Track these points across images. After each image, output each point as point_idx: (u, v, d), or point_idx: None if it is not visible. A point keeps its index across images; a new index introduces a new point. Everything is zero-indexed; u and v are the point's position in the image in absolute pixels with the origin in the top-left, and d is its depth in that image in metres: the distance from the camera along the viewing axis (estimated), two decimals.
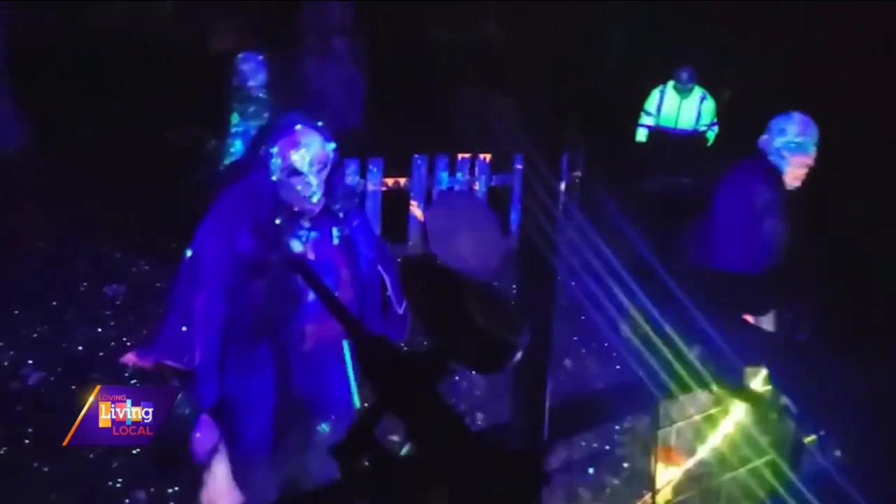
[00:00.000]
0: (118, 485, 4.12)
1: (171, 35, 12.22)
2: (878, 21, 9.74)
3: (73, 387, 4.84)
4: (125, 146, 9.41)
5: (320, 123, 3.06)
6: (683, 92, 8.93)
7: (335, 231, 3.09)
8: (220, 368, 2.95)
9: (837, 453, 4.03)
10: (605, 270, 5.33)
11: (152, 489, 4.10)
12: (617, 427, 4.92)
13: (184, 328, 2.94)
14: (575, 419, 4.90)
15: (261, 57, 6.57)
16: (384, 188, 7.70)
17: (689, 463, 3.63)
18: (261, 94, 6.44)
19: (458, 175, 8.10)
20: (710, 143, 9.07)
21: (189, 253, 2.98)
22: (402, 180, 7.87)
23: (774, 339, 4.54)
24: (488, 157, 8.26)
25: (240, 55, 6.59)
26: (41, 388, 4.97)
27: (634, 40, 12.05)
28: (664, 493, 3.55)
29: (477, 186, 8.21)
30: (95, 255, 6.98)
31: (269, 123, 3.35)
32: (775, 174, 4.54)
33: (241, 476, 3.02)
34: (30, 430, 4.45)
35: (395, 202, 7.78)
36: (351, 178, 7.18)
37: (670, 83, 8.98)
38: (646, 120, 9.08)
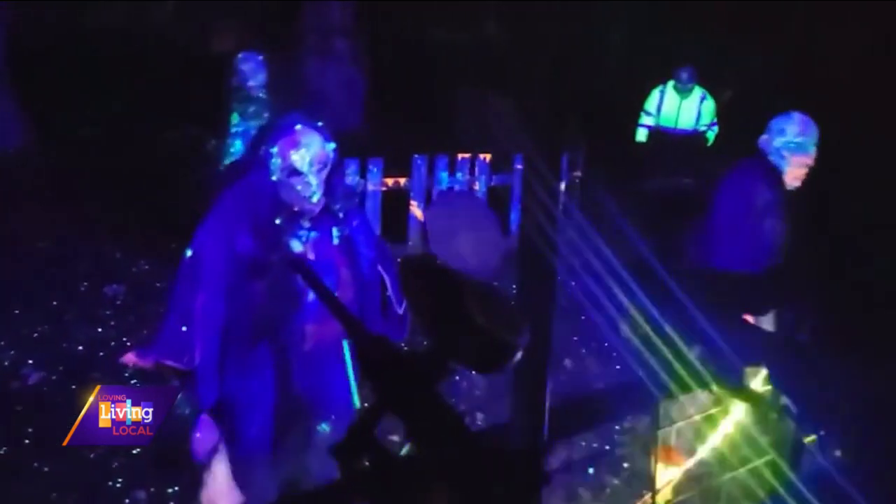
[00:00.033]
0: (118, 485, 4.12)
1: (171, 35, 12.22)
2: (878, 21, 9.74)
3: (74, 387, 4.84)
4: (125, 146, 9.41)
5: (320, 123, 3.07)
6: (683, 92, 8.92)
7: (335, 231, 3.09)
8: (221, 368, 2.95)
9: (837, 453, 4.03)
10: (606, 270, 5.33)
11: (152, 489, 4.10)
12: (617, 427, 4.92)
13: (184, 328, 2.94)
14: (575, 419, 4.90)
15: (261, 57, 6.57)
16: (384, 188, 7.70)
17: (689, 463, 3.64)
18: (261, 95, 6.43)
19: (458, 175, 8.10)
20: (710, 143, 9.07)
21: (189, 253, 2.99)
22: (403, 180, 7.87)
23: (774, 339, 4.54)
24: (488, 157, 8.26)
25: (240, 55, 6.58)
26: (41, 387, 4.97)
27: (634, 40, 12.06)
28: (664, 493, 3.55)
29: (477, 186, 8.21)
30: (96, 255, 6.98)
31: (269, 123, 3.36)
32: (775, 174, 4.54)
33: (241, 476, 3.02)
34: (30, 429, 4.45)
35: (395, 202, 7.78)
36: (351, 177, 7.18)
37: (670, 83, 8.98)
38: (646, 120, 9.08)
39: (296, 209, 3.01)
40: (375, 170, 7.61)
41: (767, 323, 4.59)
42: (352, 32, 12.17)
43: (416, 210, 7.88)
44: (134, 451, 4.22)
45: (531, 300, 3.32)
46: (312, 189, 2.99)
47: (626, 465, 4.59)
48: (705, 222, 4.77)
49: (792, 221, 4.67)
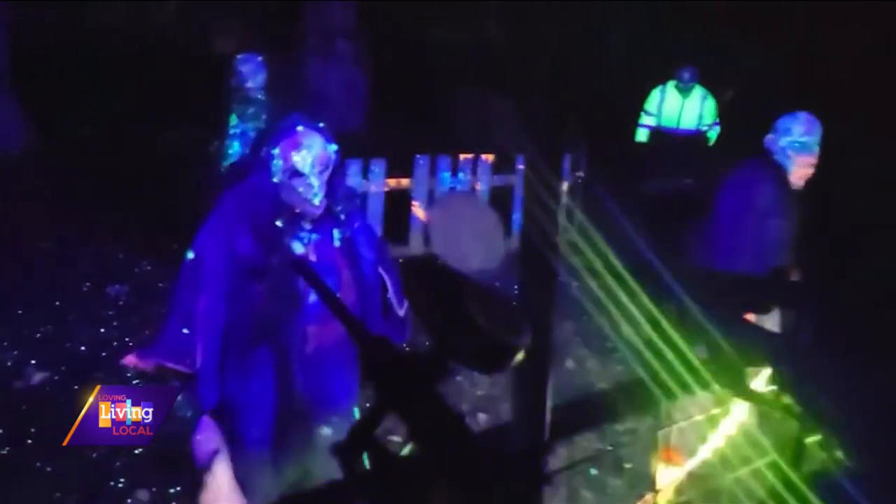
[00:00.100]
0: (121, 485, 4.12)
1: (171, 36, 12.23)
2: (878, 21, 9.74)
3: (76, 387, 4.85)
4: (127, 147, 9.42)
5: (322, 125, 3.06)
6: (685, 91, 8.92)
7: (336, 233, 3.09)
8: (222, 370, 2.95)
9: (840, 454, 4.02)
10: (607, 271, 5.33)
11: (154, 489, 4.10)
12: (618, 427, 4.92)
13: (185, 330, 2.94)
14: (576, 420, 4.90)
15: (260, 58, 6.56)
16: (386, 189, 7.70)
17: (691, 463, 3.63)
18: (259, 96, 6.42)
19: (461, 175, 8.11)
20: (711, 143, 9.06)
21: (190, 255, 2.98)
22: (405, 181, 7.87)
23: (777, 339, 4.53)
24: (490, 157, 8.26)
25: (239, 56, 6.57)
26: (44, 388, 4.98)
27: (634, 40, 12.06)
28: (666, 494, 3.54)
29: (479, 187, 8.21)
30: (98, 256, 6.99)
31: (270, 125, 3.36)
32: (780, 173, 4.55)
33: (242, 478, 3.02)
34: (32, 430, 4.46)
35: (397, 203, 7.79)
36: (353, 179, 7.19)
37: (670, 83, 8.97)
38: (646, 120, 9.06)
39: (297, 211, 3.01)
40: (378, 171, 7.61)
41: (770, 323, 4.59)
42: (353, 33, 12.17)
43: (418, 211, 7.88)
44: (136, 451, 4.23)
45: (532, 300, 3.32)
46: (314, 191, 2.99)
47: (627, 465, 4.59)
48: (708, 222, 4.77)
49: (796, 221, 4.67)
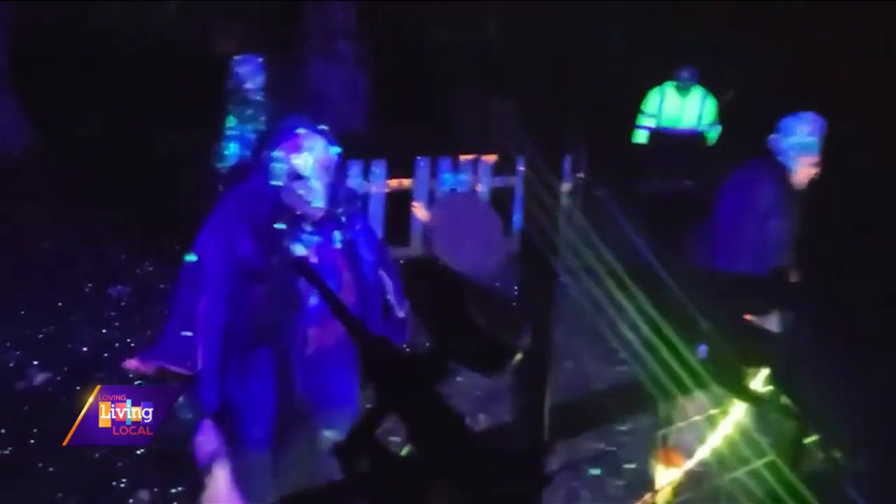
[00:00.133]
0: (122, 485, 4.13)
1: (172, 36, 12.23)
2: (879, 21, 9.74)
3: (78, 387, 4.85)
4: (129, 147, 9.43)
5: (324, 127, 3.06)
6: (684, 91, 8.91)
7: (337, 235, 3.09)
8: (222, 372, 2.95)
9: (839, 454, 4.03)
10: (608, 271, 5.33)
11: (155, 489, 4.11)
12: (617, 428, 4.92)
13: (186, 332, 2.94)
14: (576, 420, 4.90)
15: (259, 59, 6.55)
16: (387, 190, 7.71)
17: (690, 464, 3.63)
18: (258, 98, 6.41)
19: (461, 177, 8.11)
20: (712, 143, 9.05)
21: (191, 257, 2.99)
22: (406, 182, 7.88)
23: (777, 339, 4.54)
24: (491, 158, 8.27)
25: (237, 57, 6.56)
26: (46, 388, 4.98)
27: (635, 40, 12.05)
28: (664, 494, 3.55)
29: (480, 188, 8.21)
30: (99, 256, 6.99)
31: (269, 126, 3.36)
32: (783, 174, 4.55)
33: (243, 480, 3.02)
34: (35, 430, 4.46)
35: (398, 204, 7.79)
36: (353, 180, 7.19)
37: (668, 84, 8.95)
38: (645, 121, 9.05)
39: (298, 213, 3.00)
40: (378, 172, 7.62)
41: (770, 323, 4.59)
42: (353, 34, 12.17)
43: (419, 212, 7.89)
44: (137, 452, 4.23)
45: (532, 301, 3.32)
46: (315, 193, 2.98)
47: (626, 465, 4.59)
48: (710, 223, 4.77)
49: (799, 221, 4.68)
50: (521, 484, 1.17)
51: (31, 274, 6.55)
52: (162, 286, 6.24)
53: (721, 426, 3.61)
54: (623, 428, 4.91)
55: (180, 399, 2.89)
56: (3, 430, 4.49)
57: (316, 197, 2.99)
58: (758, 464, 3.28)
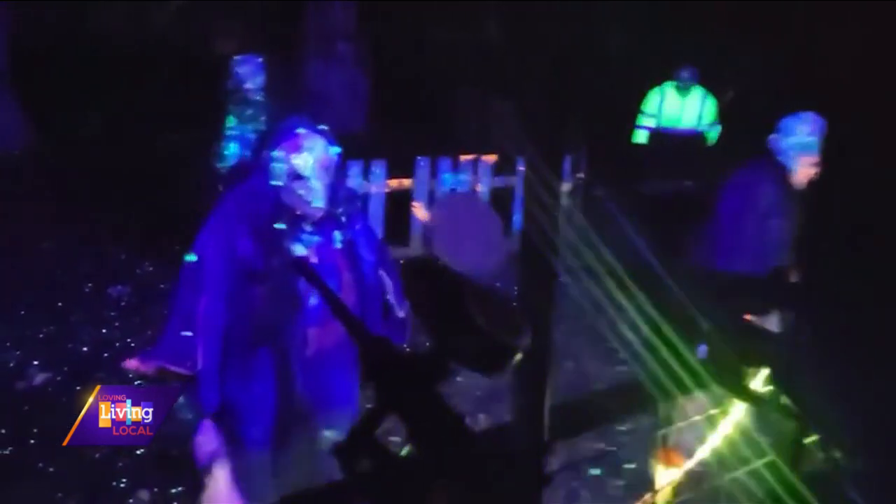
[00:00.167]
0: (122, 485, 4.13)
1: (172, 36, 12.23)
2: (879, 21, 9.73)
3: (78, 387, 4.85)
4: (130, 147, 9.42)
5: (324, 127, 3.06)
6: (684, 91, 8.90)
7: (337, 235, 3.09)
8: (222, 372, 2.95)
9: (839, 454, 4.03)
10: (608, 271, 5.33)
11: (156, 489, 4.11)
12: (617, 428, 4.92)
13: (186, 333, 2.94)
14: (576, 420, 4.89)
15: (259, 59, 6.55)
16: (387, 190, 7.71)
17: (690, 464, 3.63)
18: (258, 98, 6.41)
19: (462, 177, 8.11)
20: (712, 143, 9.05)
21: (191, 257, 2.99)
22: (406, 182, 7.88)
23: (776, 339, 4.53)
24: (491, 158, 8.27)
25: (237, 57, 6.56)
26: (46, 388, 4.98)
27: (635, 40, 12.05)
28: (664, 494, 3.55)
29: (480, 188, 8.21)
30: (100, 256, 6.99)
31: (269, 126, 3.36)
32: (783, 174, 4.55)
33: (243, 480, 3.02)
34: (35, 430, 4.46)
35: (398, 204, 7.79)
36: (354, 180, 7.19)
37: (668, 84, 8.95)
38: (645, 121, 9.04)
39: (298, 213, 3.00)
40: (378, 171, 7.62)
41: (769, 323, 4.59)
42: (353, 34, 12.17)
43: (419, 212, 7.89)
44: (138, 452, 4.24)
45: (532, 301, 3.32)
46: (315, 194, 2.98)
47: (626, 465, 4.59)
48: (710, 223, 4.77)
49: (799, 221, 4.68)
50: (522, 484, 1.17)
51: (31, 274, 6.54)
52: (162, 286, 6.24)
53: (721, 426, 3.61)
54: (623, 428, 4.90)
55: (180, 399, 2.89)
56: (3, 431, 4.49)
57: (316, 197, 2.99)
58: (758, 464, 3.28)
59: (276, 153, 2.99)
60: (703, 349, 4.41)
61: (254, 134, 6.19)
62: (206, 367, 2.93)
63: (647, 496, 3.51)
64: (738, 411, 3.56)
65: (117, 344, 5.58)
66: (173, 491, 4.11)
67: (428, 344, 1.24)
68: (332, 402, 3.09)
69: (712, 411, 3.59)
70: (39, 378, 5.06)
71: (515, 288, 4.58)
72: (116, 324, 5.91)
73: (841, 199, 6.67)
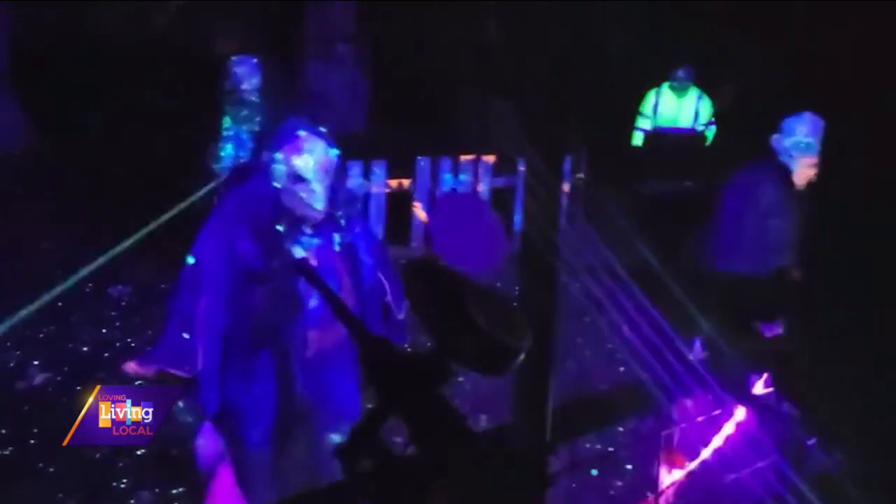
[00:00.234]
0: (123, 485, 4.13)
1: (172, 36, 12.22)
2: (879, 21, 9.73)
3: (79, 387, 4.85)
4: (130, 147, 9.42)
5: (323, 129, 3.06)
6: (681, 91, 8.89)
7: (337, 237, 3.08)
8: (223, 374, 2.95)
9: (838, 454, 4.03)
10: (608, 272, 5.33)
11: (157, 490, 4.11)
12: (620, 429, 4.91)
13: (185, 335, 2.94)
14: (578, 421, 4.90)
15: (255, 60, 6.53)
16: (388, 190, 7.71)
17: (692, 465, 3.63)
18: (254, 98, 6.39)
19: (462, 177, 8.11)
20: (708, 143, 9.05)
21: (190, 259, 2.98)
22: (406, 182, 7.88)
23: (777, 339, 4.54)
24: (491, 158, 8.27)
25: (234, 58, 6.55)
26: (47, 388, 4.98)
27: (635, 40, 12.05)
28: (667, 495, 3.55)
29: (480, 188, 8.21)
30: (100, 256, 6.98)
31: (265, 127, 3.36)
32: (784, 174, 4.56)
33: (244, 481, 3.02)
34: (35, 430, 4.46)
35: (398, 204, 7.79)
36: (354, 180, 7.19)
37: (665, 84, 8.94)
38: (642, 123, 9.02)
39: (298, 215, 3.00)
40: (379, 172, 7.62)
41: (770, 324, 4.59)
42: (353, 34, 12.16)
43: (420, 212, 7.89)
44: (138, 452, 4.23)
45: (533, 301, 3.32)
46: (316, 196, 2.98)
47: (629, 466, 4.59)
48: (710, 223, 4.78)
49: (797, 222, 4.68)
50: (523, 484, 1.17)
51: (31, 274, 6.54)
52: (162, 286, 6.24)
53: (723, 427, 3.61)
54: (624, 429, 4.90)
55: (181, 402, 2.89)
56: (3, 431, 4.49)
57: (316, 199, 2.98)
58: (759, 465, 3.28)
59: (277, 155, 2.99)
60: (698, 344, 4.42)
61: (249, 135, 6.19)
62: (207, 368, 2.93)
63: (650, 497, 3.51)
64: (740, 412, 3.56)
65: (117, 344, 5.58)
66: (174, 491, 4.11)
67: (428, 344, 1.24)
68: (332, 403, 3.09)
69: (715, 412, 3.58)
70: (40, 378, 5.06)
71: (516, 288, 4.59)
72: (117, 324, 5.91)
73: (841, 199, 6.67)
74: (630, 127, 9.14)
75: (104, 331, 5.78)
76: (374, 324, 3.15)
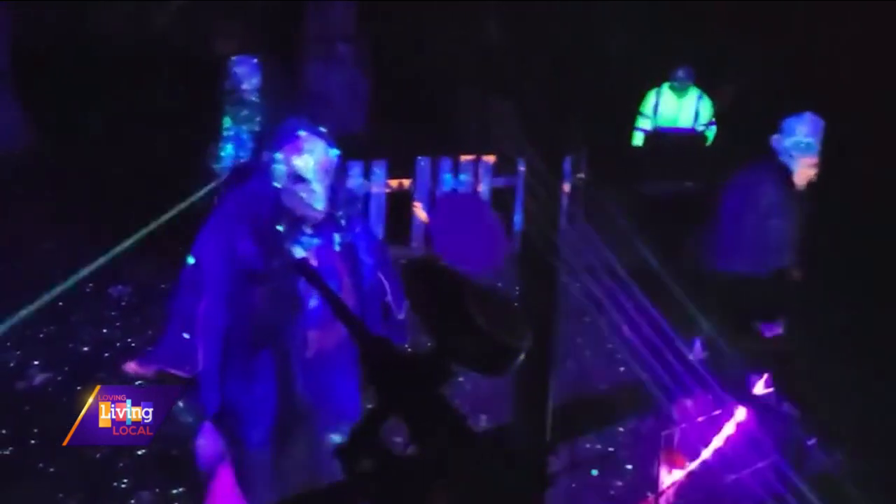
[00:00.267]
0: (123, 485, 4.13)
1: (173, 36, 12.22)
2: (879, 21, 9.73)
3: (79, 387, 4.85)
4: (130, 147, 9.42)
5: (324, 129, 3.06)
6: (681, 91, 8.90)
7: (337, 238, 3.08)
8: (223, 374, 2.95)
9: (838, 454, 4.03)
10: (608, 272, 5.33)
11: (157, 490, 4.11)
12: (620, 429, 4.91)
13: (186, 335, 2.94)
14: (578, 421, 4.90)
15: (255, 60, 6.53)
16: (388, 190, 7.71)
17: (693, 465, 3.63)
18: (254, 98, 6.39)
19: (462, 177, 8.11)
20: (709, 143, 9.05)
21: (190, 260, 2.98)
22: (406, 182, 7.88)
23: (777, 339, 4.54)
24: (492, 158, 8.27)
25: (234, 58, 6.55)
26: (47, 388, 4.98)
27: (636, 40, 12.05)
28: (667, 495, 3.55)
29: (481, 188, 8.21)
30: (100, 256, 6.97)
31: (265, 127, 3.35)
32: (784, 175, 4.56)
33: (244, 481, 3.02)
34: (35, 430, 4.46)
35: (399, 204, 7.79)
36: (354, 180, 7.19)
37: (665, 85, 8.94)
38: (642, 123, 9.02)
39: (298, 215, 3.00)
40: (379, 172, 7.62)
41: (770, 324, 4.59)
42: (353, 34, 12.16)
43: (420, 212, 7.89)
44: (139, 452, 4.24)
45: (533, 301, 3.32)
46: (316, 196, 2.98)
47: (629, 466, 4.59)
48: (711, 224, 4.78)
49: (797, 222, 4.68)
50: (523, 484, 1.17)
51: (31, 273, 6.54)
52: (162, 286, 6.24)
53: (724, 427, 3.61)
54: (624, 429, 4.90)
55: (181, 402, 2.89)
56: (4, 431, 4.49)
57: (317, 199, 2.98)
58: (760, 465, 3.28)
59: (277, 155, 2.99)
60: (698, 344, 4.42)
61: (249, 135, 6.20)
62: (207, 368, 2.93)
63: (650, 496, 3.51)
64: (741, 412, 3.56)
65: (118, 344, 5.58)
66: (174, 491, 4.11)
67: (428, 344, 1.24)
68: (332, 403, 3.09)
69: (715, 412, 3.58)
70: (40, 378, 5.06)
71: (516, 288, 4.59)
72: (117, 324, 5.91)
73: (841, 199, 6.67)
74: (630, 127, 9.14)
75: (104, 331, 5.79)
76: (374, 324, 3.15)
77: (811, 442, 3.86)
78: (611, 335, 5.62)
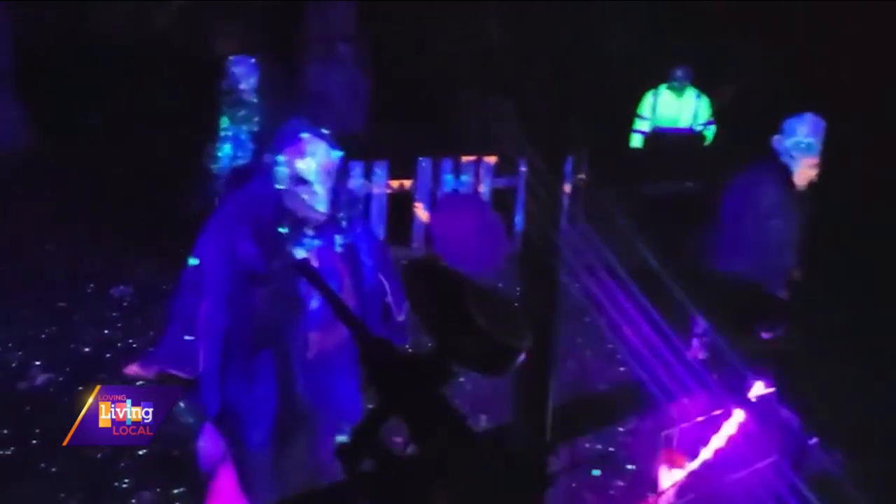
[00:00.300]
0: (124, 485, 4.13)
1: (173, 37, 12.23)
2: (880, 21, 9.73)
3: (80, 388, 4.85)
4: (130, 147, 9.43)
5: (326, 131, 3.06)
6: (679, 91, 8.90)
7: (338, 239, 3.09)
8: (224, 375, 2.95)
9: (838, 455, 4.03)
10: (608, 272, 5.33)
11: (158, 490, 4.11)
12: (620, 429, 4.91)
13: (187, 337, 2.94)
14: (577, 421, 4.90)
15: (253, 60, 6.53)
16: (389, 191, 7.71)
17: (693, 465, 3.63)
18: (252, 98, 6.39)
19: (463, 177, 8.11)
20: (708, 142, 9.05)
21: (191, 261, 2.99)
22: (407, 183, 7.88)
23: (777, 339, 4.54)
24: (493, 159, 8.27)
25: (232, 58, 6.55)
26: (48, 388, 4.99)
27: (636, 40, 12.05)
28: (667, 495, 3.55)
29: (481, 189, 8.21)
30: (102, 257, 6.99)
31: (273, 129, 3.35)
32: (785, 175, 4.56)
33: (245, 482, 3.02)
34: (37, 430, 4.47)
35: (400, 205, 7.79)
36: (355, 181, 7.20)
37: (662, 85, 8.94)
38: (641, 125, 9.02)
39: (300, 217, 3.00)
40: (380, 172, 7.62)
41: (771, 324, 4.59)
42: (353, 34, 12.16)
43: (421, 212, 7.89)
44: (140, 452, 4.24)
45: (534, 301, 3.32)
46: (319, 198, 2.98)
47: (629, 466, 4.59)
48: (711, 224, 4.78)
49: (798, 223, 4.68)
50: (523, 484, 1.17)
51: (32, 274, 6.55)
52: (164, 287, 6.25)
53: (723, 427, 3.60)
54: (624, 429, 4.90)
55: (182, 403, 2.89)
56: (5, 431, 4.50)
57: (319, 201, 2.98)
58: (760, 465, 3.28)
59: (280, 157, 2.99)
60: (695, 343, 4.42)
61: (248, 135, 6.20)
62: (208, 369, 2.93)
63: (651, 498, 3.51)
64: (741, 413, 3.56)
65: (119, 344, 5.58)
66: (175, 491, 4.11)
67: (429, 345, 1.24)
68: (333, 404, 3.09)
69: (715, 412, 3.58)
70: (41, 378, 5.06)
71: (516, 288, 4.58)
72: (118, 324, 5.91)
73: (841, 199, 6.66)
74: (630, 127, 9.14)
75: (106, 331, 5.79)
76: (374, 325, 3.15)
77: (811, 442, 3.86)
78: (611, 335, 5.62)
